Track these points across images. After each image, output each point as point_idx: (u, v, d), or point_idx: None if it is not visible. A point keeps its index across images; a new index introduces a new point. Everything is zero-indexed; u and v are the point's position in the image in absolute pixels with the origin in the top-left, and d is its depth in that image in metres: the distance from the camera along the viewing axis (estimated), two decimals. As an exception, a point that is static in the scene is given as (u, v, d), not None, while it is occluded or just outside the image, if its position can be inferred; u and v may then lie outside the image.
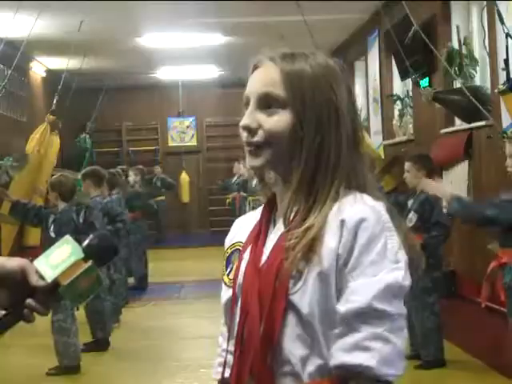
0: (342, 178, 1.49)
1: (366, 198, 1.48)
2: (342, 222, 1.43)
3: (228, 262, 1.62)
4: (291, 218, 1.49)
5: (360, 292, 1.39)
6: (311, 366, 1.43)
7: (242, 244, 1.60)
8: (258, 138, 1.50)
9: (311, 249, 1.43)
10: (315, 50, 1.57)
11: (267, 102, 1.50)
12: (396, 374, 1.39)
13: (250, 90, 1.53)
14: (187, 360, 6.40)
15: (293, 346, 1.44)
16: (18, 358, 6.70)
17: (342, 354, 1.38)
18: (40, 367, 6.17)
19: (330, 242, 1.43)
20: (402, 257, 1.44)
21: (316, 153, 1.48)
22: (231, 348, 1.56)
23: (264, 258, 1.51)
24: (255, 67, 1.55)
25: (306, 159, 1.48)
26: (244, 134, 1.52)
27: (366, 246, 1.41)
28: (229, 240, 1.66)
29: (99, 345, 6.76)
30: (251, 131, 1.51)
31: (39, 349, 6.66)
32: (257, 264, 1.50)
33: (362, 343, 1.37)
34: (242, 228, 1.64)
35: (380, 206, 1.47)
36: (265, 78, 1.51)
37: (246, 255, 1.55)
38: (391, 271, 1.41)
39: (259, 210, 1.63)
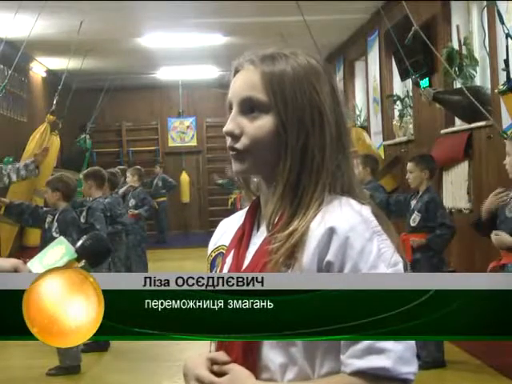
0: (326, 180, 1.47)
1: (352, 202, 1.46)
2: (331, 229, 1.40)
3: (212, 265, 1.60)
4: (275, 221, 1.47)
5: None
6: (290, 374, 1.42)
7: (225, 247, 1.58)
8: (241, 143, 1.49)
9: (293, 254, 1.41)
10: (298, 49, 1.54)
11: (249, 107, 1.48)
12: (413, 371, 1.38)
13: (232, 94, 1.52)
14: (187, 360, 6.39)
15: (272, 354, 1.43)
16: (18, 358, 6.70)
17: (355, 360, 1.37)
18: (40, 367, 6.16)
19: (313, 250, 1.41)
20: (399, 259, 1.43)
21: (300, 155, 1.46)
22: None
23: (246, 262, 1.49)
24: (236, 71, 1.54)
25: (290, 162, 1.46)
26: (228, 140, 1.51)
27: (360, 254, 1.39)
28: (213, 243, 1.64)
29: (99, 345, 6.75)
30: (234, 137, 1.49)
31: (39, 349, 6.66)
32: (239, 268, 1.49)
33: (375, 345, 1.36)
34: (226, 232, 1.62)
35: (366, 211, 1.45)
36: (245, 81, 1.50)
37: (229, 259, 1.54)
38: None
39: (243, 211, 1.62)
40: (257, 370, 1.43)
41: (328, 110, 1.47)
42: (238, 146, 1.49)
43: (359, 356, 1.36)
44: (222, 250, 1.59)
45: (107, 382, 6.03)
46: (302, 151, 1.46)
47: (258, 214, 1.56)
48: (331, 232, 1.40)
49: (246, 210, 1.60)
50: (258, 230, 1.54)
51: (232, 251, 1.54)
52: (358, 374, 1.37)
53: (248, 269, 1.47)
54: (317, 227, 1.42)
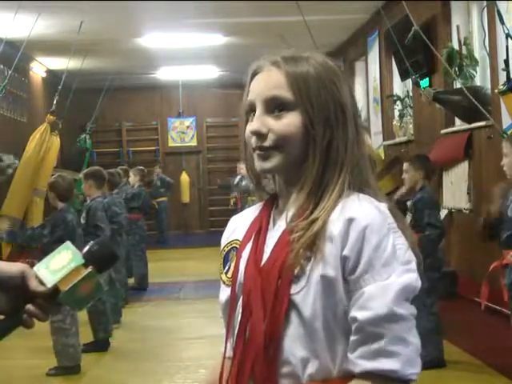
0: (347, 175, 1.49)
1: (370, 198, 1.48)
2: (350, 221, 1.42)
3: (226, 260, 1.60)
4: (297, 214, 1.48)
5: (377, 297, 1.38)
6: (312, 368, 1.42)
7: (239, 242, 1.58)
8: (268, 142, 1.49)
9: (315, 243, 1.42)
10: (312, 50, 1.57)
11: (275, 106, 1.49)
12: (417, 372, 1.40)
13: (255, 94, 1.51)
14: (187, 360, 6.39)
15: (293, 347, 1.43)
16: (18, 358, 6.70)
17: (365, 361, 1.38)
18: (40, 367, 6.16)
19: (335, 243, 1.42)
20: (412, 257, 1.43)
21: (325, 151, 1.49)
22: (229, 346, 1.54)
23: (265, 256, 1.49)
24: (255, 73, 1.54)
25: (318, 159, 1.48)
26: (253, 139, 1.51)
27: (375, 249, 1.40)
28: (225, 238, 1.64)
29: (99, 345, 6.75)
30: (261, 136, 1.49)
31: (39, 349, 6.66)
32: (258, 263, 1.49)
33: (386, 349, 1.36)
34: (238, 226, 1.63)
35: (384, 208, 1.47)
36: (270, 81, 1.50)
37: (245, 254, 1.53)
38: (404, 273, 1.40)
39: (254, 207, 1.62)
40: (277, 364, 1.43)
41: (350, 108, 1.51)
42: (267, 143, 1.49)
43: (369, 358, 1.37)
44: (235, 245, 1.59)
45: (107, 381, 6.03)
46: (327, 148, 1.49)
47: (273, 208, 1.57)
48: (349, 223, 1.41)
49: (256, 206, 1.62)
50: (274, 225, 1.55)
51: (248, 246, 1.54)
52: (366, 374, 1.38)
53: (269, 260, 1.47)
54: (337, 218, 1.44)
